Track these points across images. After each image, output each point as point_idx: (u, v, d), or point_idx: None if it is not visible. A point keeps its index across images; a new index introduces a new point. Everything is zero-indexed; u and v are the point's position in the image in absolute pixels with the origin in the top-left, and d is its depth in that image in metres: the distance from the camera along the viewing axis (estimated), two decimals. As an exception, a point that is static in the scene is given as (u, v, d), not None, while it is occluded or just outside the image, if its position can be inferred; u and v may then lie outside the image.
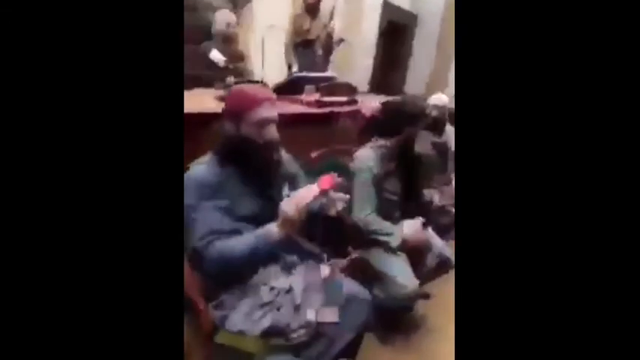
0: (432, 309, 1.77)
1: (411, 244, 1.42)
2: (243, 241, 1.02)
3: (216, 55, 2.33)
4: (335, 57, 3.10)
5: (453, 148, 2.20)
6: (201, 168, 1.05)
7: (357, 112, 1.85)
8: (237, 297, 1.05)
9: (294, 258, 1.18)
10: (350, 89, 1.96)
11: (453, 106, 2.06)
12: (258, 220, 1.09)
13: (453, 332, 0.67)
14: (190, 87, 2.02)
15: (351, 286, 1.17)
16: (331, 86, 1.86)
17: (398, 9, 4.60)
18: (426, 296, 1.60)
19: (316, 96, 1.82)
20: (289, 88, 1.92)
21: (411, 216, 1.48)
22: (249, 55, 2.68)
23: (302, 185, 1.27)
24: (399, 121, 1.44)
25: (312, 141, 1.71)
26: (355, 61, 4.44)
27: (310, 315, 1.01)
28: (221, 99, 1.55)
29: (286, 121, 1.64)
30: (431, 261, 1.49)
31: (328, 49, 2.90)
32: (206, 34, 2.48)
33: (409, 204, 1.51)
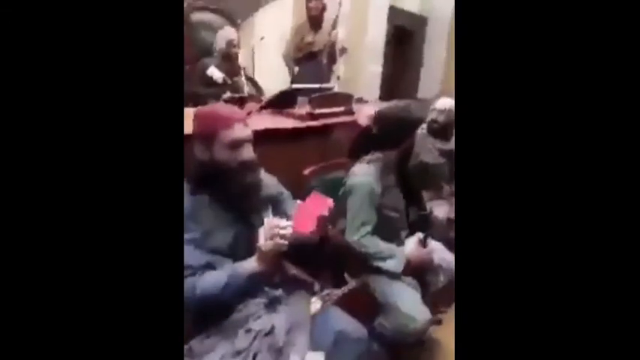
0: (447, 335, 1.59)
1: (413, 265, 1.27)
2: (214, 278, 0.91)
3: (214, 72, 2.29)
4: (340, 67, 3.01)
5: None
6: None
7: (353, 122, 1.72)
8: (212, 341, 0.93)
9: (278, 292, 1.05)
10: (345, 99, 1.84)
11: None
12: (235, 251, 0.99)
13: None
14: (188, 104, 1.99)
15: (342, 321, 1.03)
16: (324, 97, 1.74)
17: (405, 13, 4.47)
18: (438, 322, 1.44)
19: (308, 108, 1.70)
20: (282, 101, 1.81)
21: (415, 232, 1.34)
22: (247, 70, 2.63)
23: (288, 207, 1.15)
24: (395, 130, 1.30)
25: (305, 156, 1.59)
26: (364, 68, 4.33)
27: (294, 360, 0.88)
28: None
29: (275, 137, 1.55)
30: (439, 280, 1.33)
31: (332, 59, 2.81)
32: (204, 51, 2.45)
33: (414, 220, 1.36)
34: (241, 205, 1.01)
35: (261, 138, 1.46)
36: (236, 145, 0.96)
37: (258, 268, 0.93)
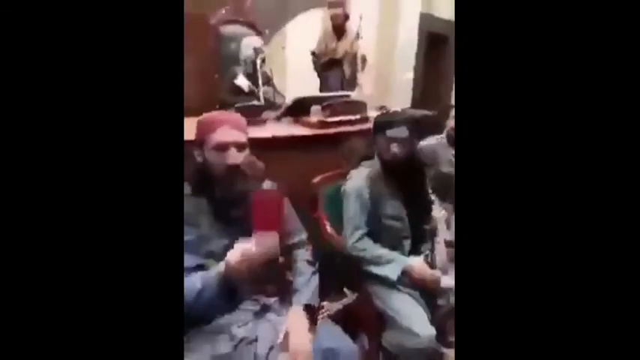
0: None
1: (415, 279, 1.21)
2: (191, 282, 0.92)
3: (242, 81, 2.36)
4: (364, 75, 3.00)
5: None
6: None
7: (367, 130, 1.70)
8: (191, 344, 0.93)
9: (271, 301, 1.05)
10: (359, 107, 1.82)
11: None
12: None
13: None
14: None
15: (332, 338, 1.00)
16: (337, 105, 1.73)
17: (437, 19, 4.37)
18: (448, 344, 1.35)
19: (321, 116, 1.70)
20: (297, 110, 1.83)
21: (421, 244, 1.28)
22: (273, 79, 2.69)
23: (288, 214, 1.15)
24: (383, 135, 1.27)
25: (316, 164, 1.59)
26: (395, 76, 4.28)
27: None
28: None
29: (285, 145, 1.56)
30: (446, 301, 1.26)
31: (354, 68, 2.81)
32: (233, 61, 2.54)
33: (417, 229, 1.30)
34: (235, 210, 1.02)
35: (271, 146, 1.49)
36: (222, 148, 0.98)
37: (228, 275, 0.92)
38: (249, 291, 0.99)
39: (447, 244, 1.43)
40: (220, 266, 0.92)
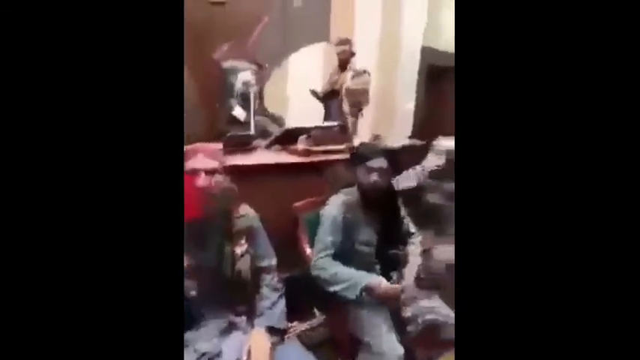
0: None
1: (375, 296, 1.25)
2: None
3: (238, 112, 2.50)
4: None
5: None
6: None
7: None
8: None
9: (239, 319, 1.11)
10: (345, 136, 1.92)
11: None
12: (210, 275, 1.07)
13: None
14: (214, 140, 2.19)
15: (296, 356, 1.05)
16: (322, 134, 1.83)
17: (438, 52, 4.52)
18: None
19: (305, 145, 1.79)
20: (286, 139, 1.93)
21: (390, 270, 1.32)
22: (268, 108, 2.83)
23: (261, 238, 1.22)
24: (364, 165, 1.35)
25: (297, 191, 1.66)
26: (396, 106, 4.39)
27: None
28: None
29: (269, 172, 1.65)
30: (414, 326, 1.28)
31: (358, 99, 2.92)
32: (232, 94, 2.70)
33: (388, 256, 1.34)
34: (210, 231, 1.10)
35: (255, 172, 1.58)
36: (192, 173, 1.07)
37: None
38: (214, 309, 1.05)
39: (422, 270, 1.46)
40: None
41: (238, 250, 1.10)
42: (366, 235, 1.35)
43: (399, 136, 3.98)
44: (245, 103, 2.36)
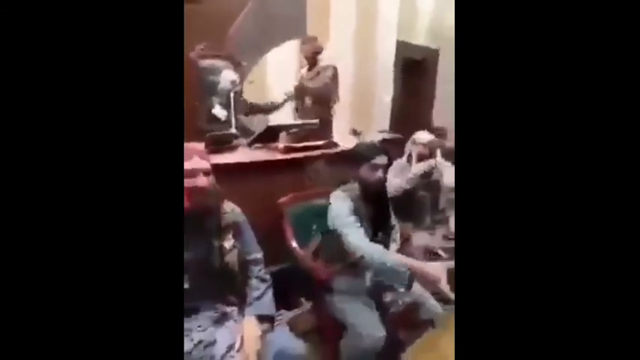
0: None
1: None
2: None
3: (218, 111, 2.52)
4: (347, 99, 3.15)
5: (447, 184, 2.08)
6: None
7: (334, 155, 1.87)
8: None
9: (230, 309, 1.17)
10: (325, 132, 1.99)
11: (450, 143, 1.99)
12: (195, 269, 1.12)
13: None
14: (193, 139, 2.21)
15: (284, 340, 1.12)
16: (302, 132, 1.89)
17: (414, 46, 4.63)
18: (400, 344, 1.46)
19: (286, 142, 1.86)
20: (267, 137, 1.98)
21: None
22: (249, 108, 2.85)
23: (246, 233, 1.29)
24: (368, 163, 1.41)
25: (280, 187, 1.73)
26: (374, 99, 4.47)
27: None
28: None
29: (250, 170, 1.71)
30: (395, 307, 1.38)
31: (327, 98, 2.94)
32: (211, 92, 2.71)
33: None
34: (200, 228, 1.15)
35: (237, 170, 1.63)
36: (191, 174, 1.11)
37: None
38: (206, 300, 1.12)
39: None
40: None
41: (226, 245, 1.16)
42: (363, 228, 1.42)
43: (376, 130, 4.09)
44: (226, 102, 2.38)
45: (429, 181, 2.08)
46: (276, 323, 1.23)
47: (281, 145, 1.85)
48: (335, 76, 2.73)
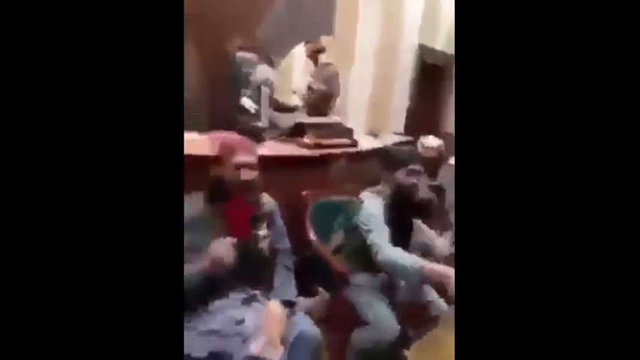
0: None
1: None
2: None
3: (247, 103, 2.61)
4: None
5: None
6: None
7: (356, 154, 1.96)
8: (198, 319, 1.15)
9: (256, 292, 1.27)
10: (346, 132, 2.08)
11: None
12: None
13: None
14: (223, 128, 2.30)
15: (304, 324, 1.22)
16: (328, 130, 1.99)
17: (434, 51, 4.67)
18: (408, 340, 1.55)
19: (314, 139, 1.95)
20: (295, 133, 2.08)
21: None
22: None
23: (277, 224, 1.38)
24: (405, 168, 1.48)
25: (307, 181, 1.83)
26: (391, 103, 4.52)
27: (253, 349, 1.07)
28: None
29: (282, 163, 1.80)
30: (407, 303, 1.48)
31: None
32: (243, 84, 2.80)
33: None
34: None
35: (269, 163, 1.72)
36: (238, 167, 1.20)
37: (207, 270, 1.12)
38: (237, 283, 1.21)
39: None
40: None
41: (261, 233, 1.26)
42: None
43: (391, 132, 4.15)
44: (258, 95, 2.46)
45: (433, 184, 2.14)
46: (296, 308, 1.32)
47: (309, 140, 1.94)
48: (335, 74, 2.78)
